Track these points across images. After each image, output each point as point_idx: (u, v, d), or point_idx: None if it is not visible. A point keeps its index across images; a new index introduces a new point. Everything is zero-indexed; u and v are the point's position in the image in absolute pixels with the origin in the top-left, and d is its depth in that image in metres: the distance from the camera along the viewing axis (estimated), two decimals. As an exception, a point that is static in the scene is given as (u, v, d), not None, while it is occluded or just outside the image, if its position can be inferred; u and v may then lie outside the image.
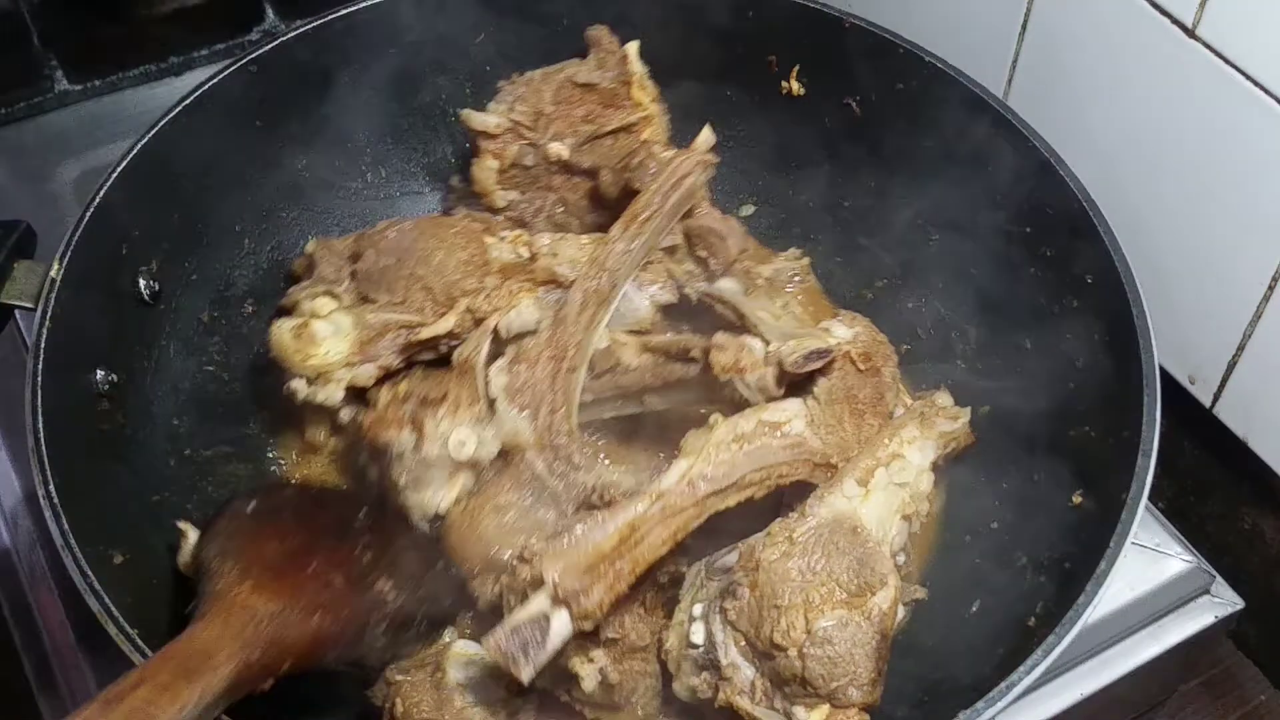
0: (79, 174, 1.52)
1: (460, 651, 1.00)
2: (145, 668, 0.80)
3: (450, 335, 1.15)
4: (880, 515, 1.00)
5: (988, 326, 1.23)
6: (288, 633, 0.91)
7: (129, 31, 1.59)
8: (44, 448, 0.96)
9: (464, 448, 1.05)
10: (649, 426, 1.18)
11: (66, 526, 0.93)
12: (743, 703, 0.93)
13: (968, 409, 1.13)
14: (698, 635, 0.97)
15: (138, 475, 1.09)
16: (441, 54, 1.34)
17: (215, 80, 1.20)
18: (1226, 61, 1.08)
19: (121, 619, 0.90)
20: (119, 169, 1.12)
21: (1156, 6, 1.12)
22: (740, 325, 1.12)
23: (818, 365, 1.04)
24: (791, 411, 1.05)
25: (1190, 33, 1.10)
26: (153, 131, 1.16)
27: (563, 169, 1.27)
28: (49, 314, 1.03)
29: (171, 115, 1.17)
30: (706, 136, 1.23)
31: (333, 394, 1.14)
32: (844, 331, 1.09)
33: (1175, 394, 1.26)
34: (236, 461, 1.21)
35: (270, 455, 1.24)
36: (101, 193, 1.10)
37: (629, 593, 0.95)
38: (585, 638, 0.98)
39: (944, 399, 1.13)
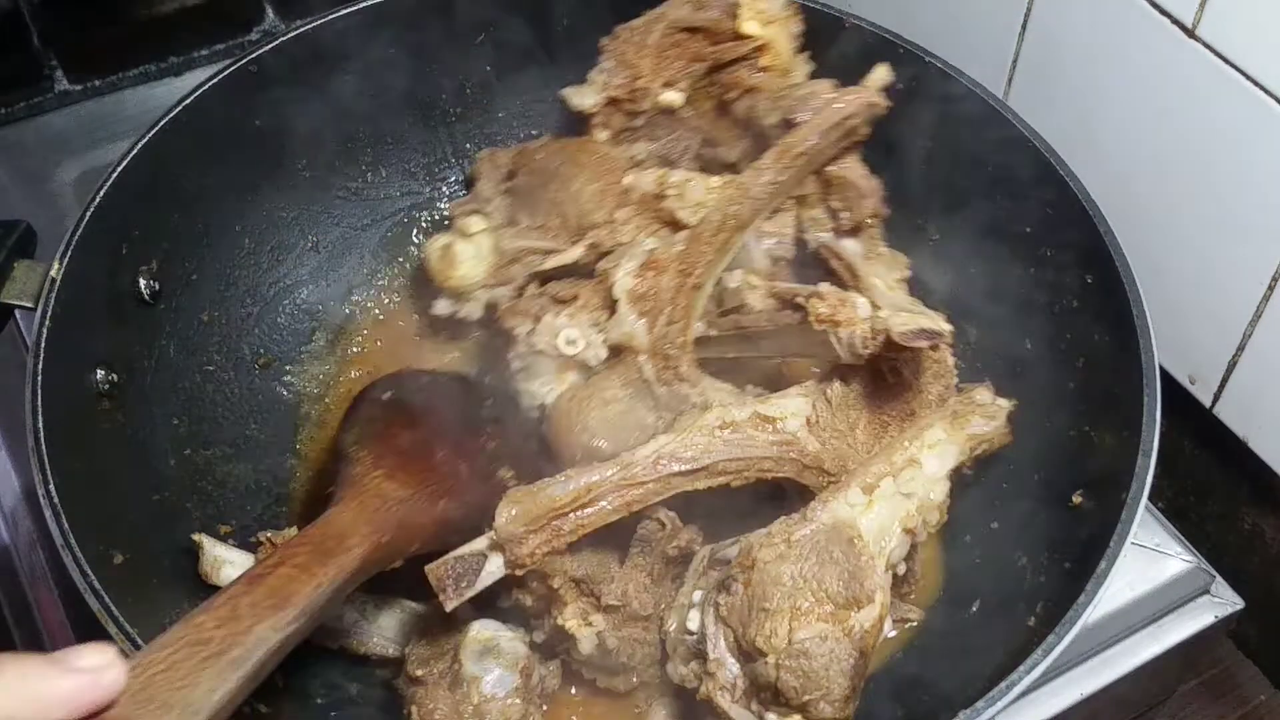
0: (79, 174, 1.52)
1: (476, 636, 1.00)
2: (285, 549, 0.86)
3: (575, 265, 1.16)
4: (881, 526, 0.98)
5: (988, 326, 1.23)
6: (416, 517, 0.97)
7: (129, 31, 1.59)
8: (44, 447, 0.96)
9: (571, 346, 1.09)
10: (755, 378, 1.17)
11: (66, 526, 0.93)
12: (721, 700, 0.93)
13: (1007, 404, 1.09)
14: (693, 622, 0.97)
15: (138, 475, 1.08)
16: (442, 54, 1.33)
17: (216, 80, 1.20)
18: (1226, 61, 1.08)
19: (121, 619, 0.89)
20: (119, 168, 1.12)
21: (1156, 6, 1.12)
22: (853, 286, 1.11)
23: (924, 344, 1.00)
24: (790, 409, 1.05)
25: (1190, 33, 1.10)
26: (153, 131, 1.15)
27: (686, 111, 1.22)
28: (49, 313, 1.03)
29: (172, 115, 1.17)
30: (882, 75, 1.17)
31: (472, 312, 1.22)
32: (947, 325, 1.03)
33: (1175, 394, 1.26)
34: (236, 461, 1.20)
35: (270, 457, 1.24)
36: (102, 192, 1.10)
37: (567, 550, 0.98)
38: (586, 601, 1.00)
39: (983, 395, 1.09)
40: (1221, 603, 1.18)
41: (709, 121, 1.24)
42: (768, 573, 0.92)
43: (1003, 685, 0.88)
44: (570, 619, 0.99)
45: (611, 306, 1.10)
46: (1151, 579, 1.17)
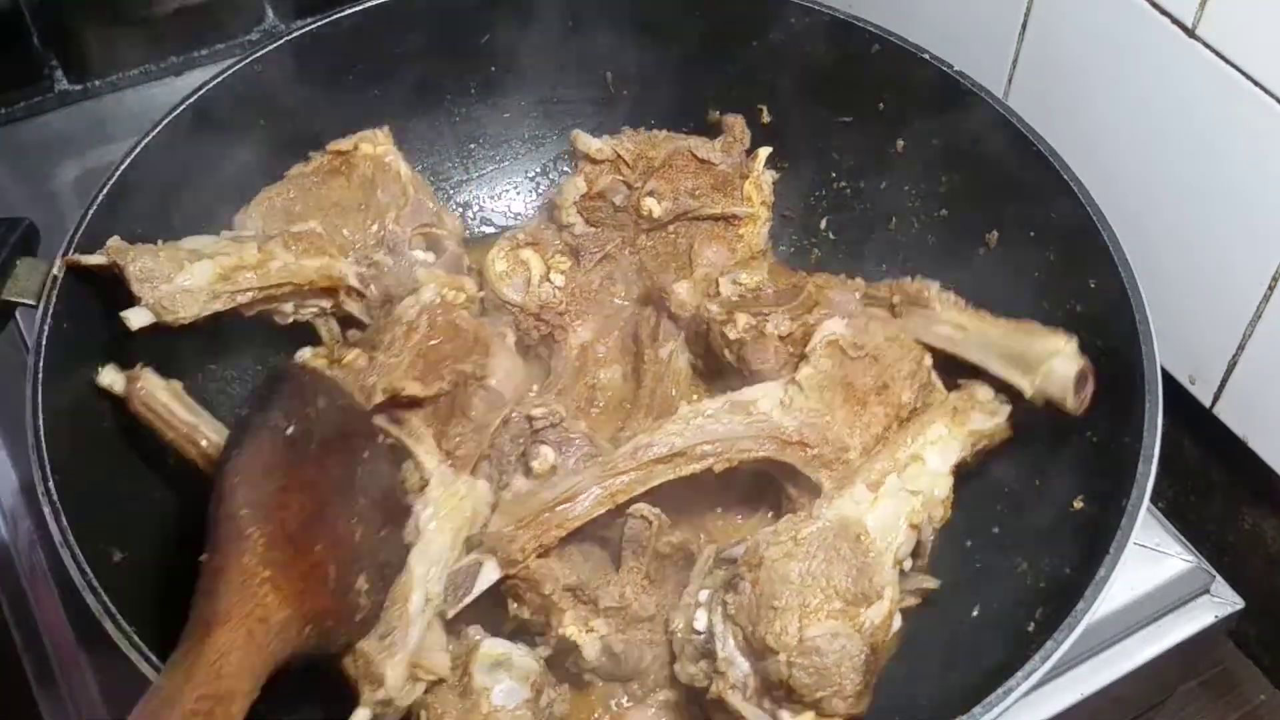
0: (79, 174, 1.52)
1: (487, 652, 0.99)
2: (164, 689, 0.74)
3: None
4: (887, 523, 0.99)
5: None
6: (283, 648, 0.82)
7: (129, 31, 1.59)
8: (44, 445, 0.96)
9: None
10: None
11: (65, 524, 0.93)
12: (734, 699, 0.93)
13: (1008, 406, 1.09)
14: (700, 622, 0.97)
15: (137, 473, 1.08)
16: (446, 54, 1.34)
17: (220, 78, 1.20)
18: (1226, 61, 1.08)
19: (119, 616, 0.89)
20: (123, 166, 1.12)
21: (1156, 6, 1.12)
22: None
23: (1090, 393, 1.04)
24: (761, 394, 1.06)
25: (1190, 33, 1.10)
26: (157, 129, 1.16)
27: (647, 225, 1.27)
28: (50, 311, 1.03)
29: (176, 113, 1.17)
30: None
31: None
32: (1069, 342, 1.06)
33: (1175, 394, 1.25)
34: (236, 460, 1.20)
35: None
36: (105, 190, 1.10)
37: (557, 547, 0.99)
38: (585, 608, 1.00)
39: (984, 393, 1.09)
40: (1221, 603, 1.18)
41: (651, 259, 1.28)
42: (776, 570, 0.93)
43: (1000, 691, 0.88)
44: (570, 626, 1.00)
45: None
46: (1151, 579, 1.17)
